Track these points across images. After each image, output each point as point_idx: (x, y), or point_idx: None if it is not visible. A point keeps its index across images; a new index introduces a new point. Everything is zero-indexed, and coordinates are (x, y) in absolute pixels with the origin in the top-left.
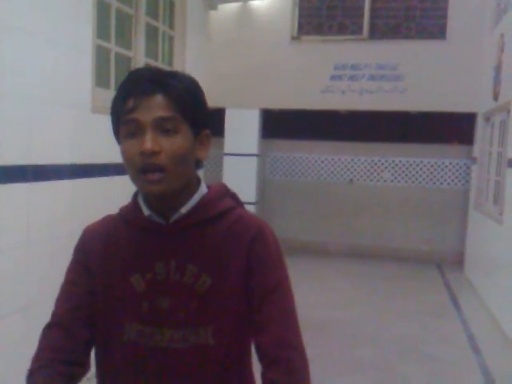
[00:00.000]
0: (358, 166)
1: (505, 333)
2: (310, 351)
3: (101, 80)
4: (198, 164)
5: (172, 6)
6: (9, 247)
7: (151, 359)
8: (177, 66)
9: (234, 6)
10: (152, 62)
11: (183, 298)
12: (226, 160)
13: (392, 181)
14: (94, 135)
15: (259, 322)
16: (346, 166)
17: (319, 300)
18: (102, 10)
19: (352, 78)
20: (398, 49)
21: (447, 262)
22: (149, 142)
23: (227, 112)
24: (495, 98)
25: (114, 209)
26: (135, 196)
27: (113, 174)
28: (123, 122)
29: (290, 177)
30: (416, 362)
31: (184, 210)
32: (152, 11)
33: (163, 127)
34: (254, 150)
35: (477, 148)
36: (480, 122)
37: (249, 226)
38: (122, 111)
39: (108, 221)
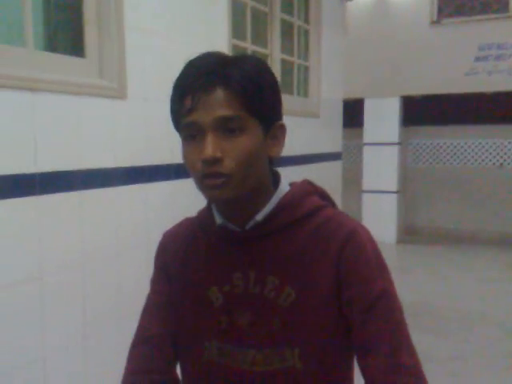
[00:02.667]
0: (509, 150)
1: None
2: (458, 346)
3: None
4: (272, 161)
5: None
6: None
7: (233, 379)
8: (312, 61)
9: None
10: (288, 58)
11: (265, 314)
12: (366, 150)
13: None
14: None
15: (363, 342)
16: (494, 150)
17: (468, 291)
18: (236, 10)
19: (498, 57)
20: None
21: None
22: (209, 147)
23: (366, 102)
24: None
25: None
26: (209, 204)
27: None
28: (183, 125)
29: (433, 164)
30: None
31: (260, 216)
32: (286, 7)
33: (226, 127)
34: (395, 138)
35: None
36: None
37: (339, 229)
38: (181, 112)
39: (186, 225)
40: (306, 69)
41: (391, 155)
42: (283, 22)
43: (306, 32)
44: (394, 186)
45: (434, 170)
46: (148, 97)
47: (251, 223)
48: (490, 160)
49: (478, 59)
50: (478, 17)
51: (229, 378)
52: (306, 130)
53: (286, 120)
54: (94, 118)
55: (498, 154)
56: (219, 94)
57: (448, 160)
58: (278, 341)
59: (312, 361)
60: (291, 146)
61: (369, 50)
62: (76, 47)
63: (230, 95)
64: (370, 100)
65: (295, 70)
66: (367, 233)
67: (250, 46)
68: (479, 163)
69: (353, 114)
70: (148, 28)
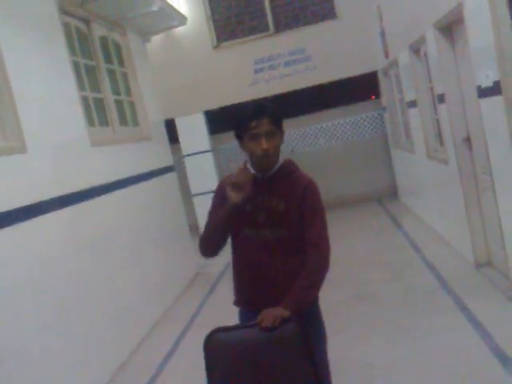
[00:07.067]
0: (295, 138)
1: (436, 232)
2: None
3: (90, 120)
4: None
5: (119, 49)
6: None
7: (256, 243)
8: (135, 96)
9: (162, 34)
10: (116, 97)
11: (271, 214)
12: (187, 160)
13: (325, 143)
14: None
15: (309, 226)
16: (286, 139)
17: None
18: (75, 66)
19: (271, 68)
20: (301, 35)
21: (385, 196)
22: (264, 144)
23: (177, 121)
24: (386, 56)
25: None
26: (246, 162)
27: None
28: (250, 134)
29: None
30: (376, 267)
31: (273, 171)
32: (107, 57)
33: (269, 134)
34: (207, 146)
35: (384, 99)
36: (381, 77)
37: (305, 180)
38: (248, 127)
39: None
40: (132, 103)
41: (208, 161)
42: (108, 70)
43: (125, 74)
44: (214, 186)
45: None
46: (40, 148)
47: (268, 174)
48: (284, 148)
49: (256, 71)
50: (250, 37)
51: (253, 242)
52: (142, 152)
53: (124, 148)
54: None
55: (288, 142)
56: (266, 120)
57: None
58: (276, 225)
59: (290, 233)
60: (135, 167)
61: (170, 78)
62: None
63: (269, 120)
64: (180, 118)
65: (125, 106)
66: (316, 183)
67: (90, 94)
68: None
69: (168, 132)
70: (24, 95)
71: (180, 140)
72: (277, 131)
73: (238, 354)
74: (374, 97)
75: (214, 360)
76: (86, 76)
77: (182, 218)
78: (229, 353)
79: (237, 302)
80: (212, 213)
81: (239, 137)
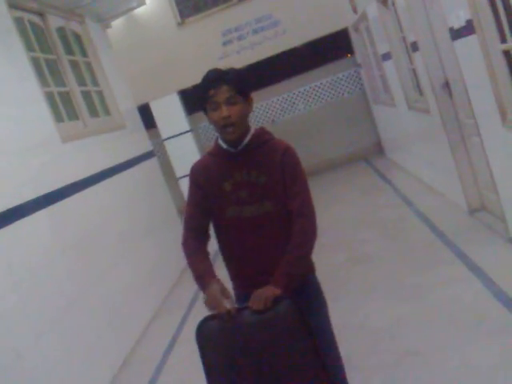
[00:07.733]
0: (275, 107)
1: (426, 183)
2: None
3: (58, 116)
4: (248, 116)
5: (79, 38)
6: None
7: (242, 222)
8: (103, 85)
9: (122, 18)
10: (83, 89)
11: (253, 189)
12: (167, 144)
13: (305, 107)
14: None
15: (292, 195)
16: (265, 110)
17: None
18: (34, 62)
19: (240, 38)
20: (266, 0)
21: (371, 153)
22: (225, 111)
23: (151, 105)
24: (354, 11)
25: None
26: (216, 139)
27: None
28: (209, 103)
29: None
30: (370, 226)
31: (244, 142)
32: (67, 48)
33: (230, 102)
34: (186, 127)
35: (358, 55)
36: (352, 33)
37: (281, 146)
38: (208, 96)
39: (203, 158)
40: (100, 93)
41: (188, 142)
42: (70, 62)
43: (89, 64)
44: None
45: None
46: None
47: (240, 146)
48: (264, 118)
49: (225, 44)
50: (212, 10)
51: (239, 222)
52: (118, 141)
53: (98, 139)
54: None
55: (268, 112)
56: (225, 87)
57: None
58: (260, 200)
59: (276, 206)
60: (112, 158)
61: (137, 62)
62: None
63: (229, 87)
64: (154, 102)
65: (94, 97)
66: (293, 148)
67: (54, 89)
68: (257, 123)
69: (144, 118)
70: None
71: (157, 124)
72: (239, 98)
73: (231, 339)
74: (349, 55)
75: (208, 348)
76: (48, 71)
77: (169, 204)
78: (222, 339)
79: (234, 288)
80: (190, 204)
81: (204, 109)
